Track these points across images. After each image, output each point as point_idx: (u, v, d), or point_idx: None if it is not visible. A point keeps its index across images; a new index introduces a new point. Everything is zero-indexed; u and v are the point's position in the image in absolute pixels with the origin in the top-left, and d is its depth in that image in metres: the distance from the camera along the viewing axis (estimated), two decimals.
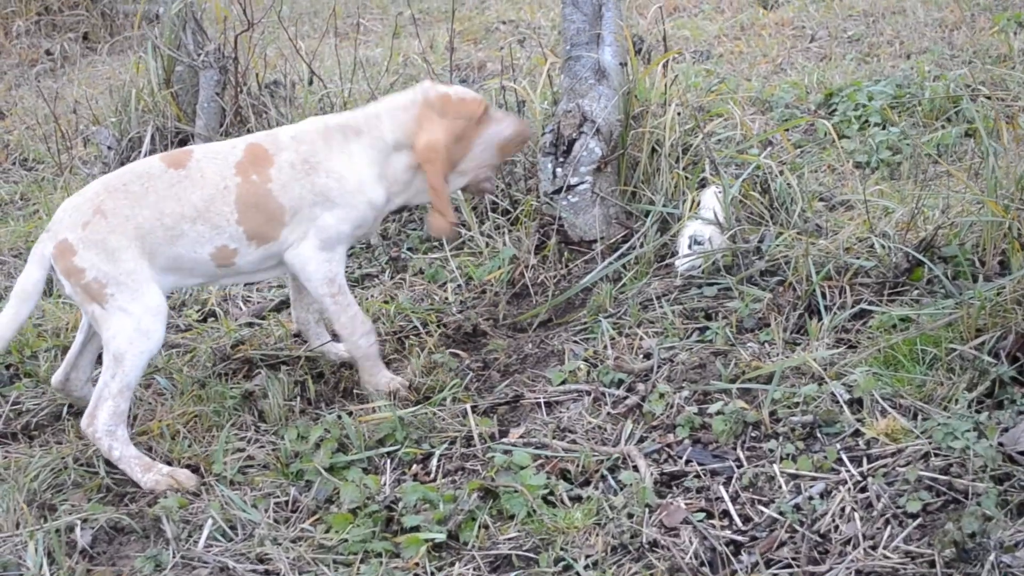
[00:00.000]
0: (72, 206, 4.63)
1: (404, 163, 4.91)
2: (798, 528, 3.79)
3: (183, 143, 7.35)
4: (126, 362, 4.51)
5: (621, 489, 4.13)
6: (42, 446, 4.80)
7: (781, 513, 3.87)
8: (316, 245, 4.83)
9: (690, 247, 5.48)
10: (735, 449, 4.29)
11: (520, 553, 3.89)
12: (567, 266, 5.87)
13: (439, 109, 4.89)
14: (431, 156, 4.83)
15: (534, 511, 4.04)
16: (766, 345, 4.87)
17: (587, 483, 4.23)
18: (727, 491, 4.06)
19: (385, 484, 4.36)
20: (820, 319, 4.91)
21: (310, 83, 7.90)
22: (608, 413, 4.65)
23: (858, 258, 5.24)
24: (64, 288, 4.61)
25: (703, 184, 5.90)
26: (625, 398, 4.72)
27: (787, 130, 7.35)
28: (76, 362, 4.94)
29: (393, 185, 4.93)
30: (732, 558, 3.73)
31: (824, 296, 5.04)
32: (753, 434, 4.34)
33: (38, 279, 4.60)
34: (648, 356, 4.97)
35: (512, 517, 4.06)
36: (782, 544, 3.75)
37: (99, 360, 4.80)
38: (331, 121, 4.95)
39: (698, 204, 5.70)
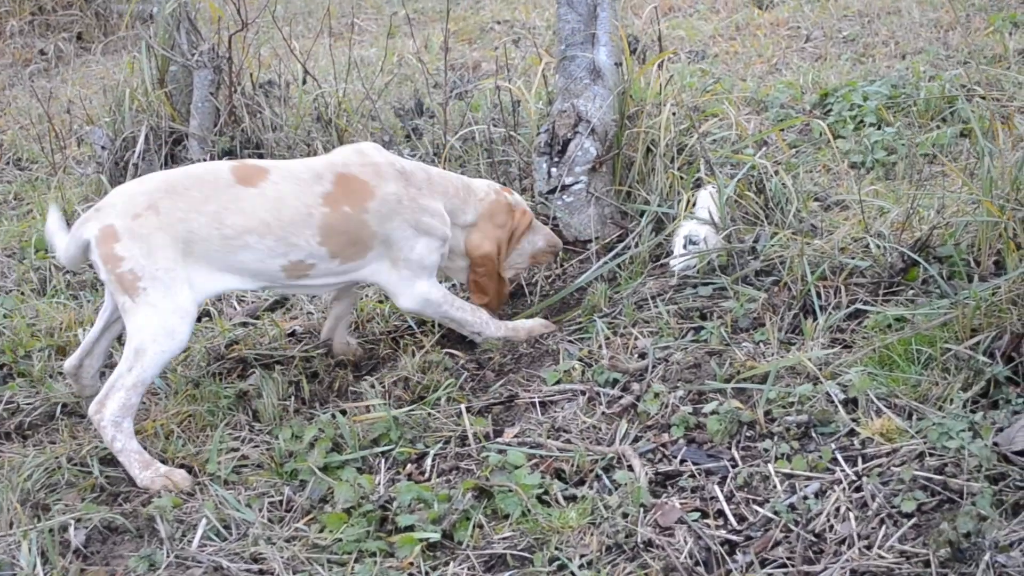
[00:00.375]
0: (127, 194, 4.67)
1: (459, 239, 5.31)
2: (793, 528, 3.78)
3: (177, 143, 7.34)
4: (146, 358, 4.51)
5: (616, 489, 4.12)
6: (36, 446, 4.80)
7: (776, 513, 3.86)
8: (424, 278, 5.13)
9: (685, 247, 5.47)
10: (730, 449, 4.28)
11: (515, 553, 3.88)
12: (562, 266, 5.87)
13: (499, 215, 5.35)
14: (484, 263, 5.31)
15: (528, 511, 4.03)
16: (761, 345, 4.87)
17: (582, 483, 4.23)
18: (722, 491, 4.06)
19: (379, 484, 4.35)
20: (815, 319, 4.91)
21: (304, 83, 7.89)
22: (603, 413, 4.64)
23: (853, 258, 5.23)
24: (99, 272, 4.62)
25: (698, 184, 5.89)
26: (620, 398, 4.71)
27: (782, 130, 7.35)
28: (91, 349, 4.97)
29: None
30: (727, 558, 3.72)
31: (819, 296, 5.03)
32: (748, 434, 4.34)
33: (73, 255, 4.68)
34: (643, 356, 4.96)
35: (507, 517, 4.06)
36: (777, 544, 3.75)
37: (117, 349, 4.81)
38: (433, 170, 5.29)
39: (693, 204, 5.69)
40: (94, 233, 4.58)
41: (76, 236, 4.63)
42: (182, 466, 4.57)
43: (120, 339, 5.05)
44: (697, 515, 3.93)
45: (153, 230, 4.56)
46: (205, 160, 7.20)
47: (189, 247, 4.62)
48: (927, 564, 3.51)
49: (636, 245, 5.70)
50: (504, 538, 3.97)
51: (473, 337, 5.29)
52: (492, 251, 5.28)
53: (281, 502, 4.31)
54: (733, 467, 4.17)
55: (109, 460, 4.65)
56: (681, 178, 5.95)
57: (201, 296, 4.69)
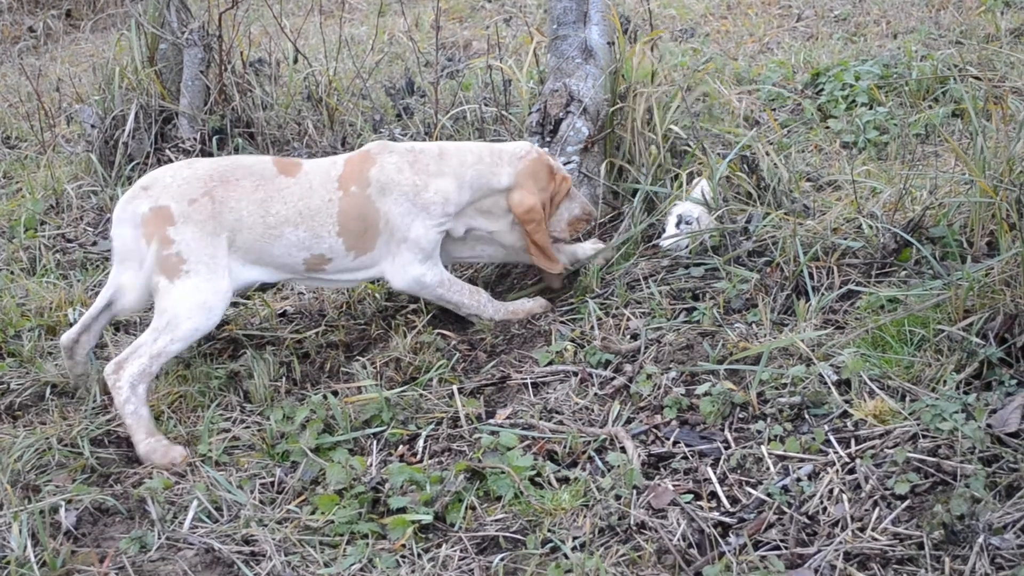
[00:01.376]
0: (181, 178, 4.78)
1: (500, 205, 5.30)
2: (786, 510, 3.78)
3: (167, 121, 7.31)
4: (177, 331, 4.62)
5: (608, 470, 4.11)
6: (26, 427, 4.78)
7: (769, 495, 3.86)
8: (419, 260, 5.13)
9: (677, 226, 5.46)
10: (723, 430, 4.27)
11: (507, 535, 3.87)
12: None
13: (541, 176, 5.30)
14: (534, 217, 5.23)
15: (521, 492, 4.02)
16: (753, 326, 4.85)
17: (574, 464, 4.22)
18: (715, 472, 4.05)
19: (371, 465, 4.34)
20: (808, 300, 4.90)
21: (295, 61, 7.87)
22: (595, 394, 4.64)
23: (846, 239, 5.22)
24: (139, 247, 4.71)
25: (695, 173, 5.86)
26: (612, 379, 4.70)
27: (774, 110, 7.33)
28: (91, 325, 4.98)
29: (481, 214, 5.30)
30: (720, 540, 3.72)
31: (812, 277, 5.02)
32: (741, 415, 4.33)
33: (129, 235, 4.76)
34: (635, 337, 4.95)
35: (499, 498, 4.05)
36: (770, 526, 3.74)
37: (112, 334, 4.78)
38: (448, 145, 5.31)
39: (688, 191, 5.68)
40: (144, 210, 4.70)
41: (128, 211, 4.74)
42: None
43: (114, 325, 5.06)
44: (690, 497, 3.93)
45: (208, 217, 4.70)
46: (195, 138, 7.18)
47: (234, 236, 4.78)
48: (920, 546, 3.51)
49: (628, 227, 5.68)
50: (496, 520, 3.96)
51: (472, 319, 5.28)
52: (536, 204, 5.23)
53: (273, 483, 4.30)
54: (726, 449, 4.17)
55: (100, 441, 4.65)
56: (672, 157, 5.94)
57: (236, 285, 4.84)
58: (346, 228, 4.96)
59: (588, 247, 5.48)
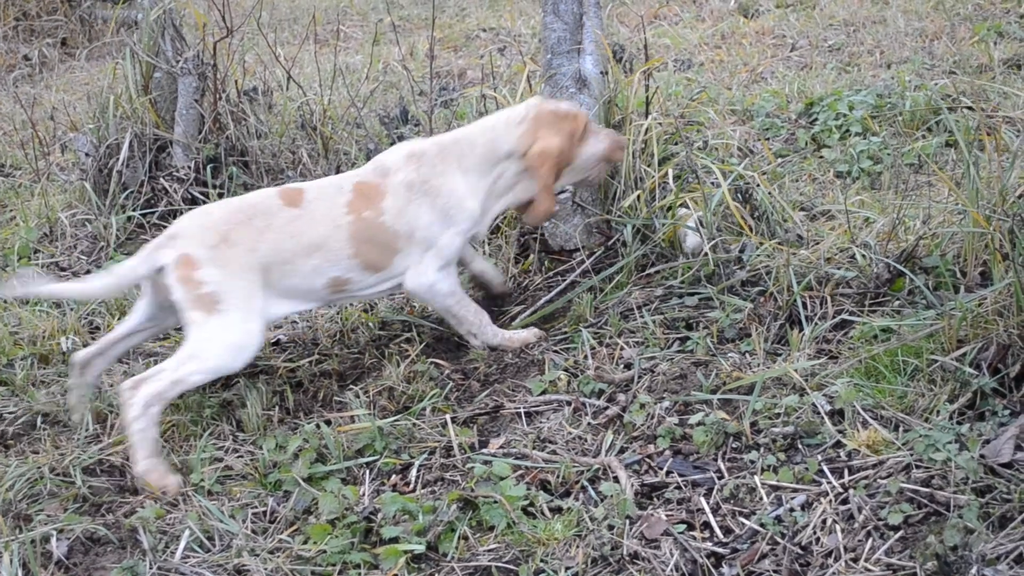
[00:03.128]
0: (198, 225, 4.86)
1: (512, 171, 5.26)
2: (779, 540, 3.77)
3: (162, 150, 7.31)
4: (205, 363, 4.65)
5: (601, 500, 4.11)
6: (18, 456, 4.76)
7: (762, 525, 3.85)
8: (437, 267, 5.16)
9: (696, 229, 5.53)
10: (716, 460, 4.27)
11: (500, 565, 3.86)
12: (547, 275, 5.86)
13: (549, 123, 5.25)
14: (543, 160, 5.21)
15: (514, 522, 4.02)
16: (747, 355, 4.86)
17: (567, 494, 4.21)
18: (708, 503, 4.05)
19: (364, 495, 4.33)
20: (801, 329, 4.91)
21: (288, 89, 7.87)
22: (588, 423, 4.63)
23: (839, 268, 5.23)
24: (173, 292, 4.72)
25: (685, 203, 5.87)
26: (605, 408, 4.70)
27: (768, 139, 7.34)
28: (107, 350, 5.02)
29: (492, 195, 5.29)
30: (713, 570, 3.71)
31: (805, 306, 5.03)
32: (734, 445, 4.33)
33: (140, 275, 4.85)
34: (629, 366, 4.95)
35: (492, 528, 4.04)
36: (763, 556, 3.74)
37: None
38: (446, 139, 5.32)
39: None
40: (170, 259, 4.74)
41: (149, 260, 4.79)
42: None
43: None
44: (683, 527, 3.92)
45: (230, 260, 4.75)
46: (189, 167, 7.18)
47: (262, 275, 4.82)
48: None
49: (622, 256, 5.69)
50: (489, 550, 3.95)
51: (468, 338, 5.30)
52: (548, 146, 5.21)
53: (265, 513, 4.29)
54: (719, 479, 4.16)
55: (92, 470, 4.63)
56: (664, 185, 5.94)
57: (270, 319, 4.94)
58: (360, 251, 4.99)
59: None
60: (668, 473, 4.24)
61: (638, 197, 5.80)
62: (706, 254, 5.43)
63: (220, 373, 4.75)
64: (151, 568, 3.97)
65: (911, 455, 4.00)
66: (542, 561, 3.84)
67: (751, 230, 5.67)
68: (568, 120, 5.31)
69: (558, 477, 4.26)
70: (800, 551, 3.72)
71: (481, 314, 5.30)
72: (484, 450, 4.55)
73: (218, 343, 4.66)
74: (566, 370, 5.00)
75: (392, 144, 7.25)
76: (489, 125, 5.32)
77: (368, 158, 6.99)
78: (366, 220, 5.00)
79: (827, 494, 3.94)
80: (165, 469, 4.50)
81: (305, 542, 4.06)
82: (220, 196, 7.03)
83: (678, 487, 4.15)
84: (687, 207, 5.75)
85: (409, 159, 5.14)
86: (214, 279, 4.69)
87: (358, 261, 5.00)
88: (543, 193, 5.24)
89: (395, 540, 3.97)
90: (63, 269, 6.65)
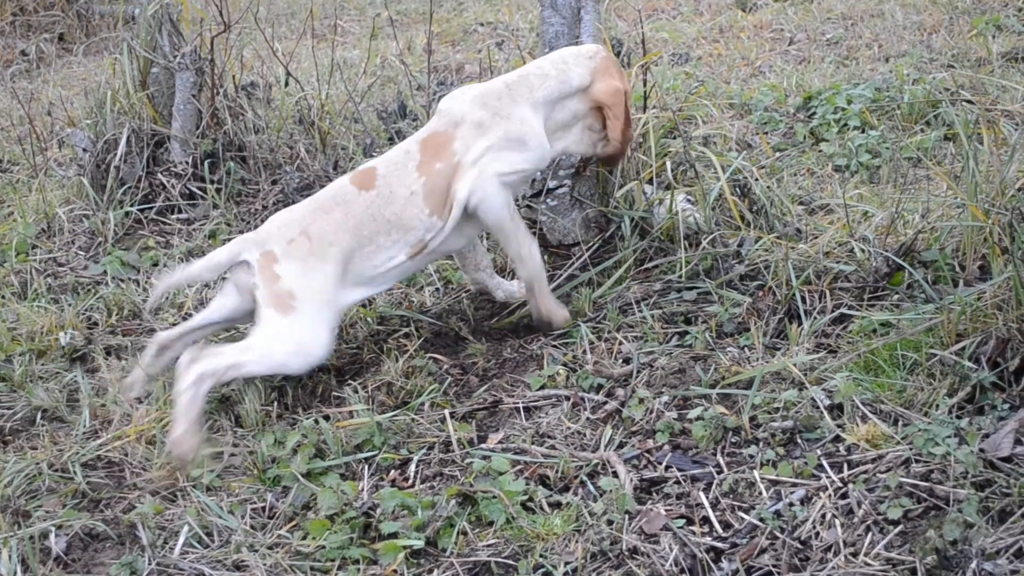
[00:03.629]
0: (281, 222, 4.96)
1: (572, 110, 5.34)
2: (779, 535, 3.77)
3: (159, 145, 7.29)
4: (268, 358, 4.72)
5: (600, 495, 4.10)
6: (16, 451, 4.75)
7: (761, 519, 3.85)
8: (496, 173, 5.09)
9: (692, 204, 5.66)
10: (715, 455, 4.27)
11: (499, 560, 3.86)
12: (546, 269, 5.85)
13: (613, 67, 5.37)
14: (617, 99, 5.31)
15: (513, 517, 4.01)
16: (746, 350, 4.85)
17: (566, 489, 4.21)
18: (707, 497, 4.04)
19: (363, 490, 4.33)
20: (800, 324, 4.90)
21: (287, 85, 7.86)
22: (587, 418, 4.63)
23: (838, 262, 5.22)
24: (257, 289, 4.80)
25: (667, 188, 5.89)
26: (604, 403, 4.69)
27: (766, 133, 7.33)
28: (187, 335, 5.06)
29: (554, 133, 5.33)
30: (712, 565, 3.71)
31: (804, 301, 5.03)
32: (733, 440, 4.32)
33: (222, 263, 4.93)
34: (627, 361, 4.95)
35: (491, 523, 4.04)
36: (763, 551, 3.73)
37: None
38: (511, 77, 5.34)
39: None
40: (256, 257, 4.85)
41: (230, 253, 4.90)
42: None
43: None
44: (682, 522, 3.92)
45: (307, 254, 4.83)
46: (187, 162, 7.18)
47: (340, 267, 4.90)
48: (914, 572, 3.50)
49: (620, 249, 5.68)
50: (488, 545, 3.95)
51: (516, 264, 5.28)
52: (620, 86, 5.32)
53: (264, 508, 4.29)
54: (718, 473, 4.16)
55: (91, 465, 4.62)
56: (660, 176, 5.94)
57: (342, 307, 4.99)
58: (435, 203, 5.05)
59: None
60: (667, 468, 4.24)
61: (636, 185, 5.80)
62: (704, 248, 5.43)
63: (280, 371, 4.78)
64: (150, 564, 3.97)
65: (910, 449, 3.99)
66: (541, 556, 3.83)
67: (749, 224, 5.66)
68: (623, 74, 5.46)
69: (557, 472, 4.26)
70: (799, 546, 3.72)
71: (535, 244, 5.26)
72: (483, 445, 4.54)
73: (285, 344, 4.72)
74: (565, 365, 5.00)
75: (390, 139, 7.28)
76: (559, 58, 5.37)
77: (366, 153, 7.00)
78: (438, 172, 5.05)
79: (826, 488, 3.94)
80: (196, 444, 4.50)
81: (304, 538, 4.06)
82: (218, 192, 7.03)
83: (677, 482, 4.15)
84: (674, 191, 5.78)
85: (475, 101, 5.17)
86: (289, 273, 4.78)
87: (436, 217, 5.05)
88: (618, 130, 5.34)
89: (394, 535, 3.97)
90: (60, 264, 6.64)
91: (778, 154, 7.05)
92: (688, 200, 5.75)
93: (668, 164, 5.89)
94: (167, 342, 5.02)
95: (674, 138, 6.27)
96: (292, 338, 4.73)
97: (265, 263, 4.82)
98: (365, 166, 5.20)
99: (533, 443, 4.49)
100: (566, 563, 3.79)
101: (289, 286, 4.77)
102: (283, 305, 4.74)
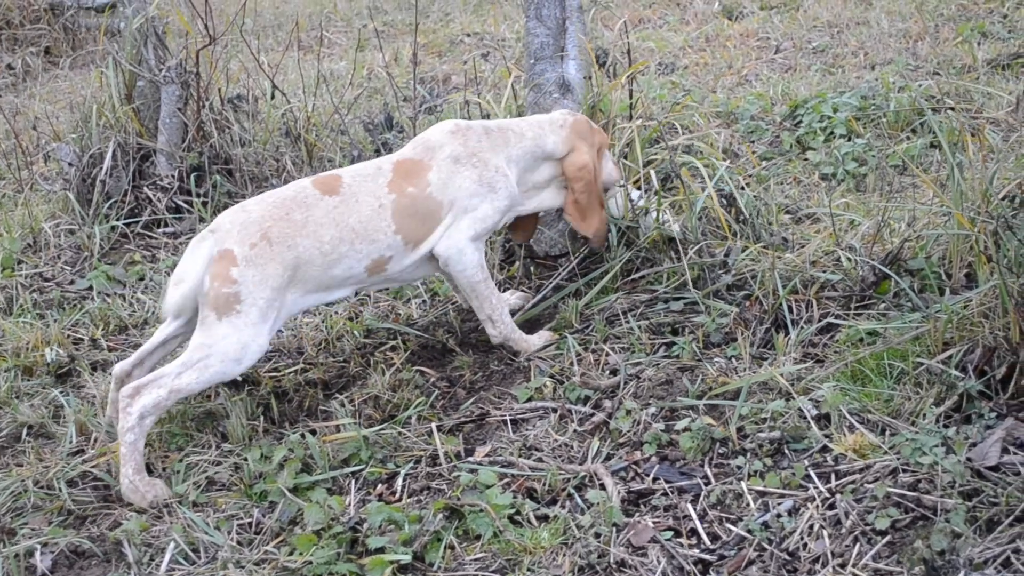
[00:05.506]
0: (240, 222, 4.78)
1: (547, 173, 5.39)
2: (767, 546, 3.76)
3: (145, 159, 7.29)
4: (208, 370, 4.60)
5: (588, 508, 4.09)
6: (1, 468, 4.74)
7: (749, 531, 3.85)
8: (470, 236, 5.11)
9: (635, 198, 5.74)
10: (703, 466, 4.26)
11: (486, 574, 3.85)
12: (533, 281, 5.85)
13: (583, 134, 5.39)
14: (582, 175, 5.34)
15: (500, 531, 4.00)
16: (733, 360, 4.85)
17: (554, 502, 4.20)
18: (695, 509, 4.04)
19: (350, 505, 4.32)
20: (787, 333, 4.90)
21: (272, 97, 7.86)
22: (575, 430, 4.62)
23: (824, 272, 5.23)
24: (201, 284, 4.68)
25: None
26: (592, 415, 4.69)
27: (753, 142, 7.34)
28: (145, 359, 4.96)
29: (526, 190, 5.38)
30: None
31: (791, 310, 5.02)
32: (721, 451, 4.32)
33: (200, 270, 4.74)
34: (615, 372, 4.94)
35: (478, 537, 4.03)
36: (751, 562, 3.73)
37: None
38: (491, 124, 5.35)
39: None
40: (212, 253, 4.71)
41: (198, 253, 4.75)
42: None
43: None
44: (670, 534, 3.91)
45: (268, 261, 4.71)
46: (173, 175, 7.17)
47: (295, 272, 4.80)
48: None
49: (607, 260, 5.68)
50: (476, 559, 3.94)
51: (486, 325, 5.25)
52: (589, 162, 5.34)
53: (250, 524, 4.27)
54: (706, 484, 4.15)
55: (76, 483, 4.60)
56: (646, 185, 5.94)
57: (289, 315, 4.89)
58: (403, 226, 4.99)
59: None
60: (655, 480, 4.23)
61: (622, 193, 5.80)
62: (691, 257, 5.43)
63: (219, 379, 4.66)
64: None
65: (898, 459, 3.99)
66: (529, 570, 3.82)
67: (736, 234, 5.66)
68: (596, 133, 5.50)
69: (544, 485, 4.25)
70: (787, 557, 3.71)
71: (504, 303, 5.28)
72: (470, 458, 4.53)
73: (223, 350, 4.60)
74: (552, 377, 4.99)
75: (377, 151, 7.28)
76: (535, 122, 5.41)
77: (352, 164, 6.98)
78: (410, 195, 5.01)
79: (814, 499, 3.93)
80: (148, 487, 4.45)
81: (291, 553, 4.04)
82: (204, 205, 7.02)
83: (665, 494, 4.14)
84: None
85: (454, 135, 5.17)
86: (245, 279, 4.66)
87: (400, 237, 4.98)
88: (577, 211, 5.40)
89: (381, 550, 3.95)
90: (46, 280, 6.62)
91: (764, 163, 7.05)
92: (642, 197, 5.78)
93: (652, 174, 5.88)
94: (124, 373, 4.92)
95: (662, 148, 6.26)
96: (231, 345, 4.61)
97: (221, 263, 4.67)
98: (328, 173, 5.13)
99: (520, 456, 4.48)
100: None
101: (239, 291, 4.63)
102: (226, 308, 4.62)
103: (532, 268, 5.92)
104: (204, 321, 4.65)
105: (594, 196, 5.39)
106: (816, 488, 3.99)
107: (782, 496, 4.00)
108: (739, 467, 4.19)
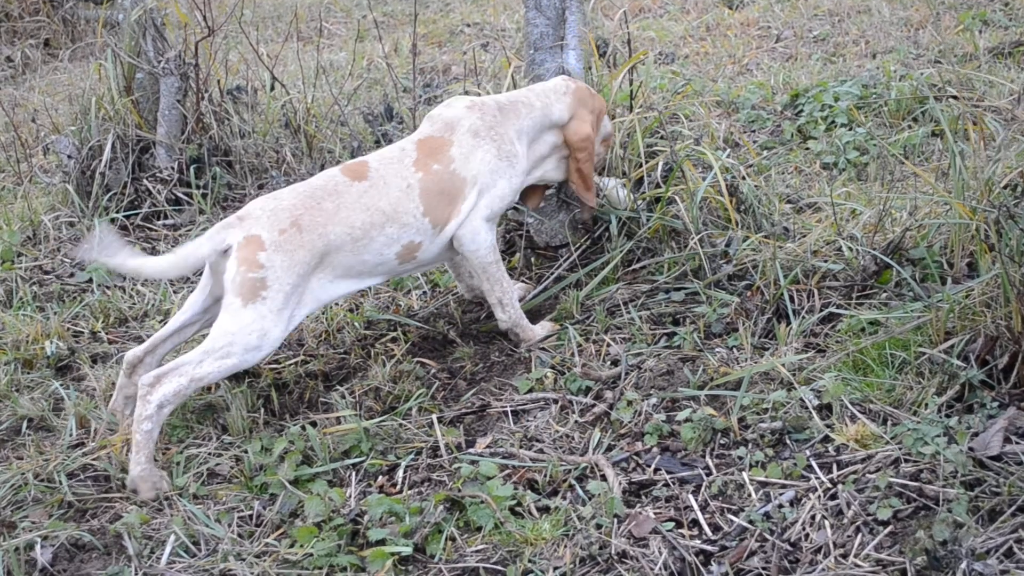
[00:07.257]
0: (270, 209, 4.78)
1: (550, 143, 5.44)
2: (768, 537, 3.75)
3: (144, 151, 7.27)
4: (229, 358, 4.58)
5: (589, 499, 4.08)
6: (1, 462, 4.73)
7: (751, 522, 3.83)
8: (485, 215, 5.16)
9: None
10: (704, 457, 4.25)
11: (487, 566, 3.84)
12: (533, 271, 5.84)
13: (584, 101, 5.46)
14: (585, 145, 5.44)
15: (501, 522, 3.99)
16: (734, 350, 4.84)
17: (555, 493, 4.19)
18: (696, 500, 4.03)
19: (350, 496, 4.30)
20: (788, 323, 4.89)
21: (272, 88, 7.84)
22: (576, 421, 4.61)
23: (826, 261, 5.21)
24: (227, 270, 4.65)
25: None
26: (593, 406, 4.67)
27: (754, 131, 7.32)
28: (157, 347, 4.94)
29: (533, 161, 5.43)
30: (702, 568, 3.69)
31: (792, 300, 5.01)
32: (722, 441, 4.31)
33: (204, 255, 4.74)
34: (616, 363, 4.93)
35: (479, 529, 4.02)
36: (752, 553, 3.71)
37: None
38: (501, 98, 5.41)
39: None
40: (238, 239, 4.68)
41: (216, 240, 4.72)
42: None
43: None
44: (671, 525, 3.90)
45: (297, 247, 4.70)
46: (173, 167, 7.16)
47: (324, 260, 4.79)
48: (904, 572, 3.48)
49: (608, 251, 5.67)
50: (477, 551, 3.93)
51: (496, 308, 5.26)
52: (591, 131, 5.45)
53: (251, 517, 4.26)
54: (707, 475, 4.14)
55: (76, 475, 4.59)
56: (650, 177, 5.93)
57: (320, 303, 4.88)
58: (430, 206, 5.01)
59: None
60: (656, 470, 4.22)
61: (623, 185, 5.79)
62: (692, 247, 5.41)
63: (239, 367, 4.63)
64: (136, 574, 3.95)
65: (900, 449, 3.98)
66: (530, 561, 3.81)
67: (737, 224, 5.65)
68: (595, 98, 5.58)
69: (545, 476, 4.24)
70: (789, 547, 3.70)
71: (514, 288, 5.32)
72: (471, 450, 4.53)
73: (245, 339, 4.58)
74: (553, 368, 4.98)
75: (376, 142, 7.26)
76: (540, 91, 5.46)
77: (352, 156, 6.97)
78: (435, 173, 5.03)
79: (816, 489, 3.92)
80: (157, 479, 4.44)
81: (291, 545, 4.03)
82: (204, 197, 7.01)
83: (666, 484, 4.13)
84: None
85: (471, 109, 5.20)
86: (273, 264, 4.63)
87: (428, 219, 5.00)
88: (582, 181, 5.49)
89: (382, 542, 3.95)
90: (46, 272, 6.61)
91: (765, 152, 7.03)
92: (621, 185, 5.82)
93: (659, 166, 5.88)
94: (136, 360, 4.90)
95: (661, 138, 6.25)
96: (252, 332, 4.59)
97: (248, 248, 4.65)
98: (356, 160, 5.14)
99: (521, 447, 4.47)
100: (555, 568, 3.78)
101: (265, 276, 4.62)
102: (251, 295, 4.60)
103: (533, 259, 5.91)
104: (228, 307, 4.62)
105: (592, 164, 5.49)
106: (818, 478, 3.98)
107: (784, 486, 3.99)
108: (740, 457, 4.18)
